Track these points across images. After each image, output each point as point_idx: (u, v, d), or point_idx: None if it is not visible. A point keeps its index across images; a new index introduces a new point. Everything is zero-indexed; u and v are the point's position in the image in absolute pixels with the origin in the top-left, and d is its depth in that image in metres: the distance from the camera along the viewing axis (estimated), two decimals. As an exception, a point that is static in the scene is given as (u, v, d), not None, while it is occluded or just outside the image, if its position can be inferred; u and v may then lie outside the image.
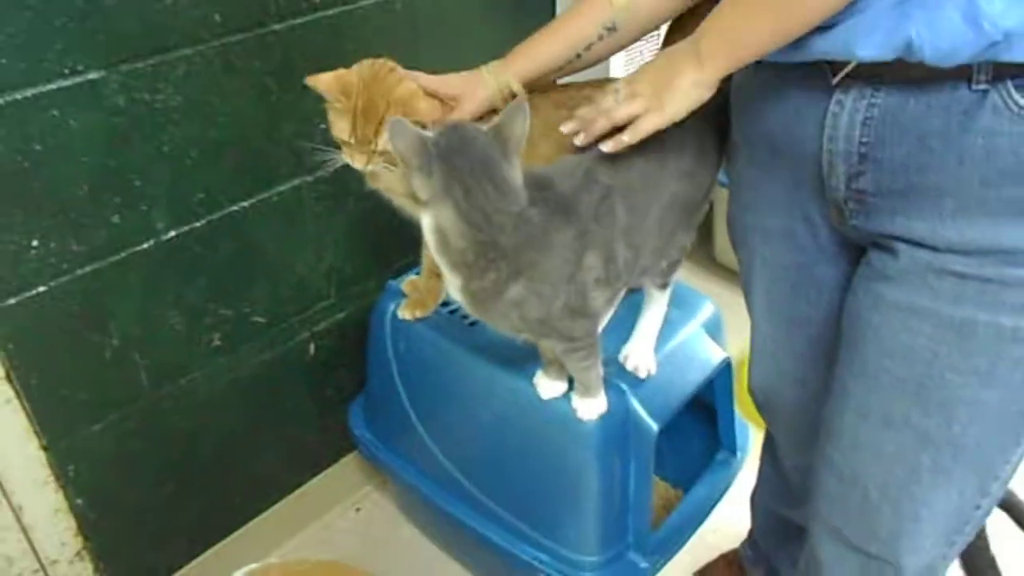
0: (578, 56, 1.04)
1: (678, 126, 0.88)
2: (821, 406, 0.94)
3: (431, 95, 1.05)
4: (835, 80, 0.78)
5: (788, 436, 1.17)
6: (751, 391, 1.17)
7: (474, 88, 1.04)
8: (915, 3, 0.68)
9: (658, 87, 0.86)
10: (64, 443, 1.14)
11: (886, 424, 0.85)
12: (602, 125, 0.90)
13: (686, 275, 1.22)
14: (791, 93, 0.84)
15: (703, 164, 1.04)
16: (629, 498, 1.20)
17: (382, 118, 0.99)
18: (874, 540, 0.91)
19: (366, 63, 1.02)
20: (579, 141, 0.93)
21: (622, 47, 1.04)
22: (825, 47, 0.75)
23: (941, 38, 0.67)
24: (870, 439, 0.87)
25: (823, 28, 0.74)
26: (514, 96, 1.04)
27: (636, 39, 1.04)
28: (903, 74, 0.72)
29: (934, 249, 0.76)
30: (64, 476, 1.16)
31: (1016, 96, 0.68)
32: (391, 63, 1.03)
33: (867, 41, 0.71)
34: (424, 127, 0.97)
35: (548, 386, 1.14)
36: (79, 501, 1.20)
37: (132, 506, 1.28)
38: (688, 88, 0.84)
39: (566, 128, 0.95)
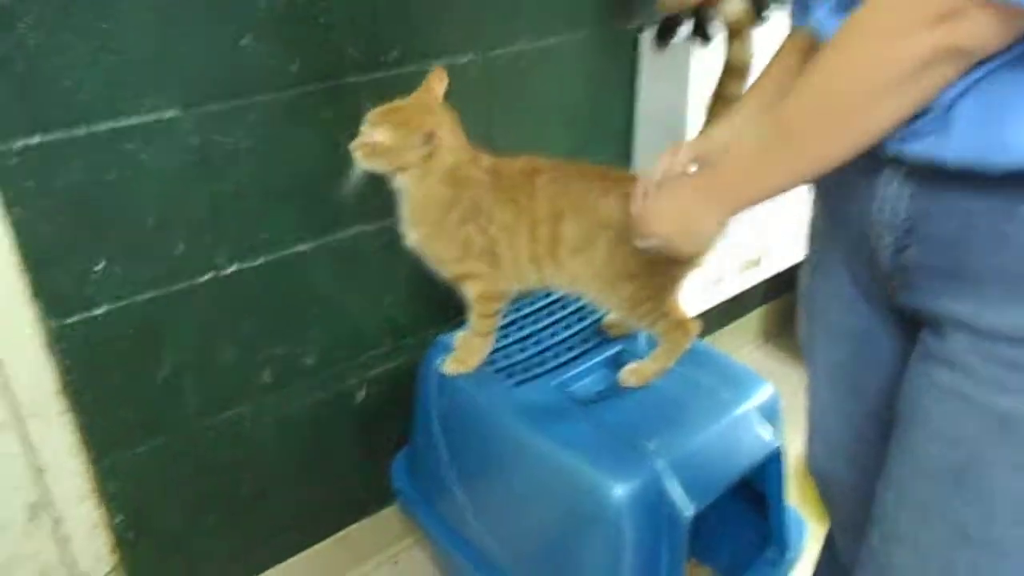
0: None
1: None
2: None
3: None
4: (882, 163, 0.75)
5: (844, 525, 1.09)
6: (811, 473, 1.11)
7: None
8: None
9: (674, 233, 0.86)
10: (109, 460, 1.19)
11: (923, 512, 0.79)
12: None
13: (765, 355, 1.18)
14: (848, 167, 0.81)
15: None
16: (659, 582, 1.13)
17: (386, 119, 1.07)
18: None
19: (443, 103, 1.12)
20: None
21: None
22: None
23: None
24: (907, 528, 0.81)
25: None
26: None
27: None
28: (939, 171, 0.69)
29: (979, 333, 0.72)
30: (106, 493, 1.20)
31: None
32: (454, 112, 1.12)
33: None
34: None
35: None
36: (118, 519, 1.23)
37: (169, 530, 1.31)
38: (707, 232, 0.84)
39: None
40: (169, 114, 1.06)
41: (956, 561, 0.78)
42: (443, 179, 1.10)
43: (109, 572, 1.25)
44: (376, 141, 1.06)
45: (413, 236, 1.15)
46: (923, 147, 0.68)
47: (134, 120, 1.04)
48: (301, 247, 1.26)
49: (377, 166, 1.09)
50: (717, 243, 0.87)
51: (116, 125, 1.02)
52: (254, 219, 1.20)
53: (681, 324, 1.17)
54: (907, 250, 0.76)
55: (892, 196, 0.75)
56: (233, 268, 1.20)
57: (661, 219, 0.86)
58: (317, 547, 1.53)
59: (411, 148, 1.06)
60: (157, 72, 1.03)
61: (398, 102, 1.09)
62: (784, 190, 0.76)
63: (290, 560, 1.49)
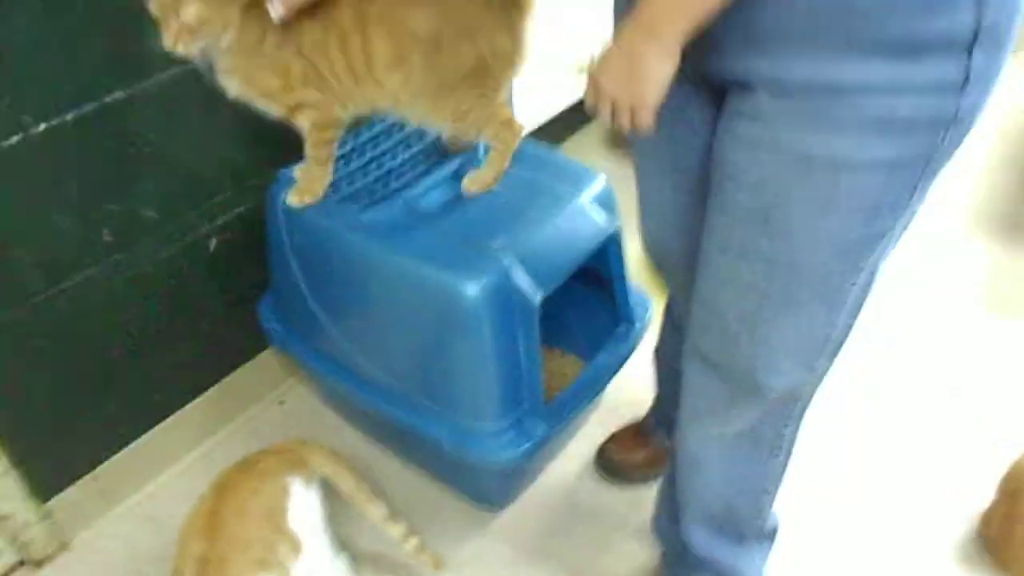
0: None
1: None
2: None
3: None
4: None
5: (679, 288, 1.22)
6: (645, 249, 1.22)
7: None
8: None
9: (626, 83, 0.82)
10: (-42, 345, 1.16)
11: (741, 254, 0.91)
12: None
13: (610, 162, 1.23)
14: None
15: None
16: (520, 367, 1.24)
17: None
18: (734, 361, 0.98)
19: None
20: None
21: None
22: None
23: None
24: (728, 270, 0.94)
25: None
26: None
27: None
28: None
29: (779, 86, 0.80)
30: (-37, 378, 1.18)
31: None
32: None
33: None
34: None
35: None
36: (-16, 400, 1.23)
37: (43, 403, 1.31)
38: (655, 69, 0.80)
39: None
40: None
41: (769, 290, 0.91)
42: (246, 12, 1.04)
43: (-12, 455, 1.25)
44: (187, 23, 0.98)
45: (234, 84, 1.12)
46: None
47: None
48: (114, 95, 1.20)
49: (200, 43, 1.02)
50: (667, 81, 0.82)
51: None
52: (53, 72, 1.13)
53: (507, 124, 1.21)
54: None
55: None
56: (42, 127, 1.14)
57: (610, 76, 0.83)
58: (200, 399, 1.56)
59: (224, 6, 1.00)
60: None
61: None
62: (719, 2, 0.74)
63: (175, 414, 1.53)
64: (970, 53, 0.73)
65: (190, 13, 0.98)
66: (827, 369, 1.01)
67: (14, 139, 1.11)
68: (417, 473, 1.55)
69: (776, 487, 1.16)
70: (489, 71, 1.14)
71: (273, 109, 1.16)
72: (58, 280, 1.25)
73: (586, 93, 0.88)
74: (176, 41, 1.00)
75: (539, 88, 1.77)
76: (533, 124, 1.81)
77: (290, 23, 1.07)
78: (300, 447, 1.25)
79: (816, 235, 0.86)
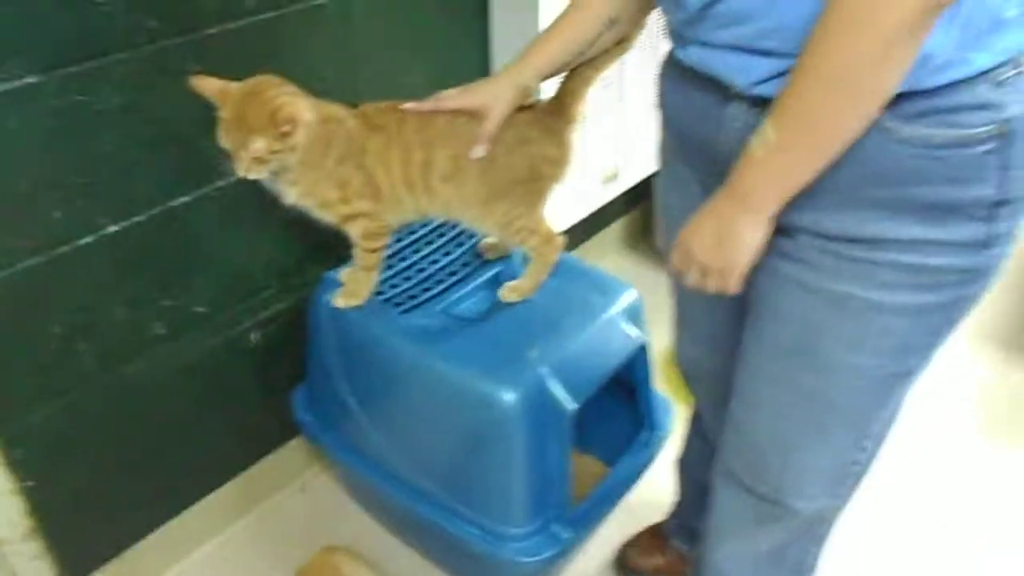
0: (584, 51, 1.10)
1: None
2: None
3: (455, 110, 1.15)
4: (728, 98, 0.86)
5: (709, 403, 1.28)
6: (678, 362, 1.27)
7: (502, 94, 1.12)
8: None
9: (717, 250, 0.86)
10: (11, 428, 1.20)
11: (775, 383, 0.97)
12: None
13: (627, 262, 1.30)
14: (696, 97, 0.92)
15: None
16: (550, 473, 1.28)
17: (250, 129, 1.06)
18: (764, 484, 1.03)
19: (256, 78, 1.11)
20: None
21: (626, 36, 1.12)
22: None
23: None
24: (761, 396, 0.99)
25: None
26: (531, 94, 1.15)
27: (640, 27, 1.12)
28: None
29: (818, 235, 0.86)
30: (13, 460, 1.22)
31: (885, 121, 0.76)
32: (277, 79, 1.12)
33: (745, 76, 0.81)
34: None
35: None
36: (28, 483, 1.26)
37: (80, 487, 1.35)
38: (748, 237, 0.84)
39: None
40: (30, 79, 1.05)
41: (800, 418, 0.97)
42: (311, 132, 1.12)
43: (26, 534, 1.28)
44: (256, 155, 1.08)
45: (293, 193, 1.19)
46: (773, 88, 0.78)
47: (-4, 88, 1.02)
48: (179, 200, 1.28)
49: (271, 168, 1.11)
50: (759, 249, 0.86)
51: (-24, 95, 1.01)
52: (129, 177, 1.21)
53: (549, 239, 1.29)
54: None
55: (739, 127, 0.86)
56: (114, 228, 1.21)
57: (702, 243, 0.87)
58: (227, 486, 1.59)
59: (287, 136, 1.09)
60: (14, 37, 1.02)
61: (225, 108, 1.08)
62: (814, 176, 0.78)
63: (202, 501, 1.56)
64: (994, 218, 0.81)
65: (259, 148, 1.07)
66: (852, 493, 1.06)
67: (89, 238, 1.19)
68: (435, 568, 1.57)
69: (797, 605, 1.19)
70: (539, 178, 1.23)
71: (327, 217, 1.23)
72: (109, 371, 1.30)
73: (672, 256, 0.93)
74: (247, 170, 1.09)
75: (567, 196, 1.85)
76: (560, 228, 1.90)
77: (356, 140, 1.16)
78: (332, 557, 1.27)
79: (848, 371, 0.91)
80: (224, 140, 1.09)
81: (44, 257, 1.15)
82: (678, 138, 1.02)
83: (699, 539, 1.44)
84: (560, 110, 1.20)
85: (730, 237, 0.84)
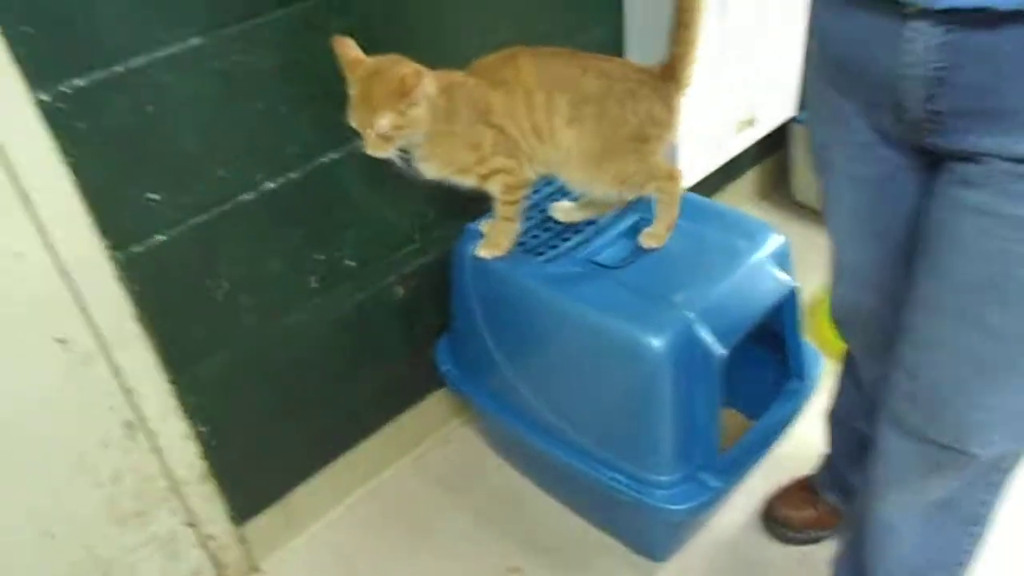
0: None
1: None
2: (898, 313, 0.99)
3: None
4: (906, 16, 0.80)
5: (867, 352, 1.22)
6: (833, 310, 1.22)
7: None
8: None
9: None
10: (186, 377, 1.29)
11: (958, 320, 0.90)
12: None
13: (762, 212, 1.26)
14: (862, 19, 0.86)
15: None
16: (698, 420, 1.26)
17: (376, 107, 1.08)
18: (941, 430, 0.96)
19: (381, 56, 1.13)
20: None
21: None
22: None
23: None
24: (941, 336, 0.93)
25: None
26: None
27: None
28: (972, 17, 0.75)
29: (1008, 159, 0.80)
30: (188, 406, 1.31)
31: None
32: (400, 57, 1.13)
33: None
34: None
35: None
36: (202, 429, 1.35)
37: (247, 433, 1.43)
38: None
39: None
40: (194, 42, 1.10)
41: (989, 358, 0.90)
42: (434, 105, 1.14)
43: (201, 476, 1.37)
44: (382, 132, 1.10)
45: (432, 168, 1.22)
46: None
47: (163, 52, 1.08)
48: (329, 156, 1.33)
49: (402, 142, 1.13)
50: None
51: (149, 59, 1.07)
52: (283, 135, 1.26)
53: (668, 175, 1.28)
54: (937, 99, 0.82)
55: (920, 50, 0.80)
56: (271, 184, 1.27)
57: None
58: (375, 436, 1.66)
59: (411, 108, 1.10)
60: (177, 1, 1.07)
61: (354, 85, 1.11)
62: None
63: (354, 448, 1.63)
64: None
65: (384, 125, 1.10)
66: None
67: (249, 195, 1.25)
68: (577, 518, 1.58)
69: (970, 561, 1.13)
70: (646, 139, 1.23)
71: (467, 181, 1.25)
72: (270, 322, 1.37)
73: None
74: (375, 148, 1.12)
75: (700, 144, 1.81)
76: (694, 179, 1.85)
77: (480, 100, 1.18)
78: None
79: None
80: (352, 119, 1.12)
81: (211, 214, 1.22)
82: (837, 67, 0.96)
83: (852, 493, 1.39)
84: (670, 74, 1.23)
85: None
